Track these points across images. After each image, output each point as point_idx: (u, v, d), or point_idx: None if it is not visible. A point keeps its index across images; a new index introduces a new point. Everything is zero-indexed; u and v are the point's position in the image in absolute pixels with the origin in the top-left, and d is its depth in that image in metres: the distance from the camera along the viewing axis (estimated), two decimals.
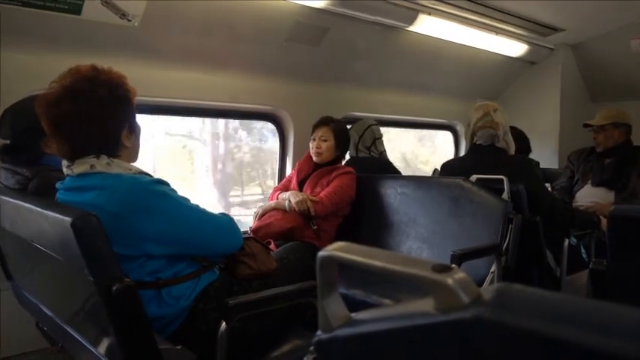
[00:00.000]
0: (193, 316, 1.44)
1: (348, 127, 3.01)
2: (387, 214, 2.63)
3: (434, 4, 2.94)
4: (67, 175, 1.41)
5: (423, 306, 0.45)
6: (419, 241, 2.46)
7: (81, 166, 1.37)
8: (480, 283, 2.05)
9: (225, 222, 1.54)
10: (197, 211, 1.46)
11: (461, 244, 2.08)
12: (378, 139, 3.13)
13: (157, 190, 1.37)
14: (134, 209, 1.31)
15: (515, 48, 3.74)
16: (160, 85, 2.47)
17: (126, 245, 1.31)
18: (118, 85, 1.40)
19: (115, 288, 1.07)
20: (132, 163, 1.46)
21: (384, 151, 3.17)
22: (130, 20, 2.19)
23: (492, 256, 2.04)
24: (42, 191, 1.59)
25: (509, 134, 2.58)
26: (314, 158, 2.73)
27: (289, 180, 2.82)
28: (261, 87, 2.89)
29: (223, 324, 1.33)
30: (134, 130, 1.48)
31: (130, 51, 2.31)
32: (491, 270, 2.04)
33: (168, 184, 1.42)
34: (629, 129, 3.26)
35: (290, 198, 2.56)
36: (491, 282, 2.03)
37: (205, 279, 1.49)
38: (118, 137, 1.42)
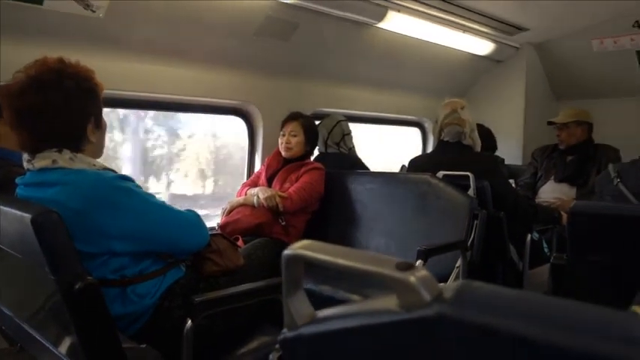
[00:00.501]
0: (159, 314, 1.42)
1: (317, 122, 3.01)
2: (355, 210, 2.65)
3: (403, 2, 2.96)
4: (28, 169, 1.37)
5: (387, 303, 0.46)
6: (386, 236, 2.49)
7: (42, 161, 1.33)
8: (446, 278, 2.08)
9: (191, 218, 1.52)
10: (163, 207, 1.44)
11: (428, 239, 2.10)
12: (347, 134, 3.14)
13: (121, 186, 1.34)
14: (98, 205, 1.28)
15: (481, 46, 3.80)
16: (124, 77, 2.42)
17: (89, 242, 1.28)
18: (85, 79, 1.37)
19: (76, 286, 1.05)
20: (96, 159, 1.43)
21: (353, 147, 3.18)
22: (94, 11, 2.13)
23: (458, 250, 2.08)
24: (1, 186, 1.54)
25: (476, 132, 2.63)
26: (283, 153, 2.73)
27: (258, 176, 2.80)
28: (230, 81, 2.85)
29: (189, 321, 1.31)
30: (100, 125, 1.45)
31: (95, 42, 2.25)
32: (457, 265, 2.08)
33: (133, 180, 1.40)
34: (590, 127, 3.37)
35: (258, 194, 2.54)
36: (457, 276, 2.07)
37: (171, 276, 1.47)
38: (83, 131, 1.38)
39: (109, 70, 2.22)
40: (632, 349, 0.29)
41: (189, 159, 3.23)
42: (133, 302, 1.37)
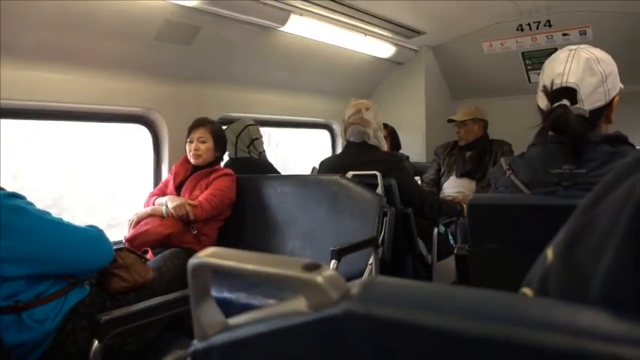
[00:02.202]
0: (62, 337, 1.33)
1: (225, 127, 2.96)
2: (268, 214, 2.64)
3: (305, 5, 2.99)
4: None
5: (296, 305, 0.46)
6: (301, 239, 2.50)
7: None
8: (361, 275, 2.13)
9: (92, 234, 1.44)
10: (59, 224, 1.34)
11: (341, 238, 2.14)
12: (256, 139, 3.10)
13: (9, 205, 1.23)
14: None
15: (383, 49, 3.94)
16: (11, 86, 2.23)
17: None
18: None
19: None
20: None
21: (264, 151, 3.17)
22: None
23: (370, 248, 2.13)
24: None
25: (380, 132, 2.69)
26: (192, 161, 2.65)
27: (165, 185, 2.70)
28: (130, 88, 2.73)
29: (95, 342, 1.24)
30: None
31: None
32: (370, 262, 2.13)
33: (23, 198, 1.29)
34: (486, 124, 3.61)
35: (167, 203, 2.45)
36: (370, 273, 2.12)
37: (74, 296, 1.38)
38: None
39: None
40: (516, 328, 0.31)
41: None
42: (30, 328, 1.27)
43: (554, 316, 0.32)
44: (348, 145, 2.69)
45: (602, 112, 1.32)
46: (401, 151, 3.96)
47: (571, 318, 0.31)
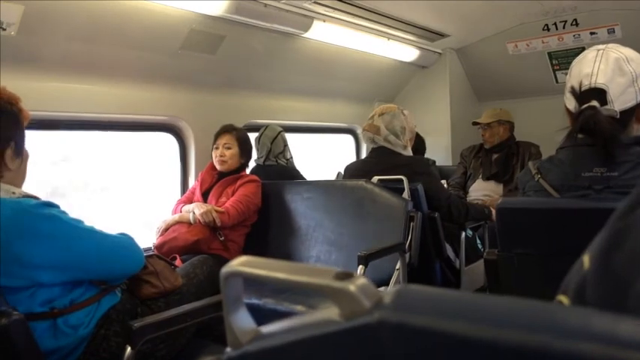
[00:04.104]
0: (95, 343, 1.36)
1: (256, 134, 2.99)
2: (294, 220, 2.64)
3: (328, 11, 3.00)
4: None
5: (329, 314, 0.46)
6: (327, 244, 2.50)
7: None
8: (387, 281, 2.12)
9: (124, 242, 1.46)
10: (92, 232, 1.37)
11: (367, 244, 2.13)
12: (286, 145, 3.12)
13: (44, 214, 1.27)
14: (18, 236, 1.21)
15: (406, 53, 3.92)
16: (42, 97, 2.29)
17: (12, 276, 1.20)
18: (7, 102, 1.30)
19: (1, 324, 0.98)
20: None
21: (292, 157, 3.17)
22: (4, 29, 2.01)
23: (397, 253, 2.12)
24: None
25: (396, 137, 2.59)
26: (218, 167, 2.68)
27: (192, 192, 2.74)
28: (157, 97, 2.78)
29: (128, 349, 1.26)
30: (21, 153, 1.37)
31: (7, 62, 2.12)
32: (397, 267, 2.12)
33: (57, 206, 1.32)
34: (512, 126, 3.56)
35: (194, 210, 2.48)
36: (397, 279, 2.11)
37: (106, 303, 1.40)
38: (1, 157, 1.30)
39: (24, 89, 2.10)
40: (555, 338, 0.30)
41: None
42: (65, 334, 1.30)
43: (595, 326, 0.31)
44: (374, 150, 2.68)
45: (633, 113, 1.29)
46: (427, 156, 3.93)
47: (612, 328, 0.31)
